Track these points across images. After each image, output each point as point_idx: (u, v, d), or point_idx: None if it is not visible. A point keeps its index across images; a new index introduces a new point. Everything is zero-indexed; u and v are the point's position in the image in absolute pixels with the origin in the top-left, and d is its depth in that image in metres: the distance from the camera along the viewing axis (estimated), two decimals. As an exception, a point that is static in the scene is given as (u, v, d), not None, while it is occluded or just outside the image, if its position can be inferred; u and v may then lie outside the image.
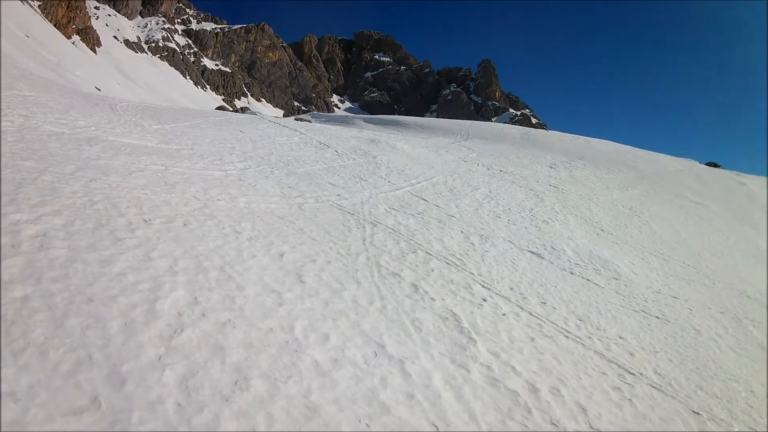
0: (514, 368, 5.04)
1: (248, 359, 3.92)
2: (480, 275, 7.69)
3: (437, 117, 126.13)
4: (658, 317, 8.08)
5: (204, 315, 4.31)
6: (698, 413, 5.41)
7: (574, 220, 13.62)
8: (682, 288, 10.08)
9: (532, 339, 5.92)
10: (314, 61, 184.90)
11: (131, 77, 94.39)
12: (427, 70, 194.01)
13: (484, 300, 6.71)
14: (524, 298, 7.26)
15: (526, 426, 4.20)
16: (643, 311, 8.19)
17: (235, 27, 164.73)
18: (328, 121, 39.48)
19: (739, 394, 6.20)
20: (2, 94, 11.44)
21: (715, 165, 43.36)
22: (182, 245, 5.64)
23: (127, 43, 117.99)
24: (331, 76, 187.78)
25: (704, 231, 16.84)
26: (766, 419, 5.69)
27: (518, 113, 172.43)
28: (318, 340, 4.52)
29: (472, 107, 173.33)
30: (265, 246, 6.46)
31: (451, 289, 6.81)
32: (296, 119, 33.77)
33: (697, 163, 40.20)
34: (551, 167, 21.86)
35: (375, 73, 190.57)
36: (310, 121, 31.28)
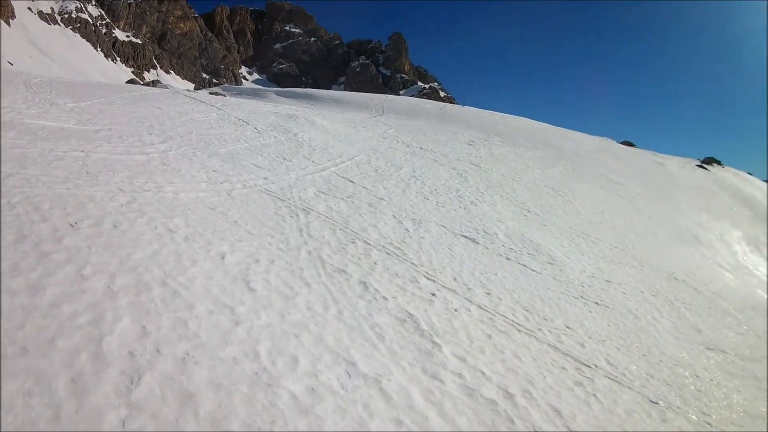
0: (483, 372, 4.81)
1: (222, 406, 3.33)
2: (422, 266, 7.43)
3: (345, 89, 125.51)
4: (597, 303, 8.19)
5: (158, 350, 3.65)
6: (656, 402, 5.47)
7: (500, 200, 13.68)
8: (613, 271, 10.33)
9: (489, 336, 5.71)
10: (225, 32, 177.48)
11: (44, 51, 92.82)
12: (337, 42, 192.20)
13: (433, 295, 6.43)
14: (469, 289, 7.07)
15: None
16: (582, 297, 8.27)
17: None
18: (241, 94, 37.87)
19: (687, 380, 6.36)
20: None
21: (631, 144, 45.39)
22: (116, 254, 4.90)
23: (41, 14, 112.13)
24: (241, 48, 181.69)
25: (627, 211, 17.58)
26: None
27: (427, 86, 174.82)
28: (287, 365, 3.99)
29: (381, 80, 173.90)
30: (204, 247, 5.79)
31: (399, 284, 6.47)
32: (210, 93, 32.05)
33: (613, 141, 41.83)
34: (470, 144, 22.01)
35: (285, 44, 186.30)
36: (225, 96, 29.79)
